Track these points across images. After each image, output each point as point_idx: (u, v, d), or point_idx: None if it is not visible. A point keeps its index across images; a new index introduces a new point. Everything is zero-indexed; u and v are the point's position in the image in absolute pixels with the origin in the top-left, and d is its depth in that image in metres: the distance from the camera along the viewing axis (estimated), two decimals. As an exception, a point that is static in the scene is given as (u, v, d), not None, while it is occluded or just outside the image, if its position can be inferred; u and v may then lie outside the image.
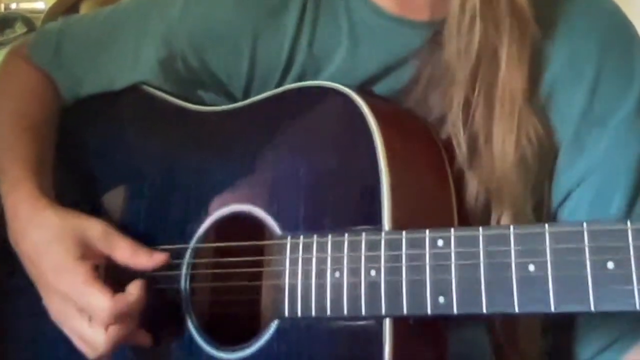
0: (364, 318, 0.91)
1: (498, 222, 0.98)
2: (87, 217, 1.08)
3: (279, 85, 1.11)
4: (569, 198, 1.01)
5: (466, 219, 0.98)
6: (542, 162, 1.00)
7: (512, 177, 0.98)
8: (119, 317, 1.01)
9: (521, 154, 0.98)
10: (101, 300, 1.01)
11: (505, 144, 0.98)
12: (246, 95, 1.14)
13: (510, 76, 0.98)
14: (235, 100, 1.14)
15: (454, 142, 1.00)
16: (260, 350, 0.99)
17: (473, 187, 0.99)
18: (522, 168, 0.98)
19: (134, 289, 1.03)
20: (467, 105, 1.00)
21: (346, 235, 0.93)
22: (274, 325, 0.98)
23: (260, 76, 1.13)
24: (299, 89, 1.06)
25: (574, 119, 1.00)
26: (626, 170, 0.98)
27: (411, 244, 0.88)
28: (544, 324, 1.03)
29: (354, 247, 0.92)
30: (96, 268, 1.05)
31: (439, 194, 0.99)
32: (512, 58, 0.98)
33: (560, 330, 1.03)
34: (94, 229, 1.06)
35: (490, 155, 0.98)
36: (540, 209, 1.02)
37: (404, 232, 0.89)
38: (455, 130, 1.00)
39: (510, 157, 0.97)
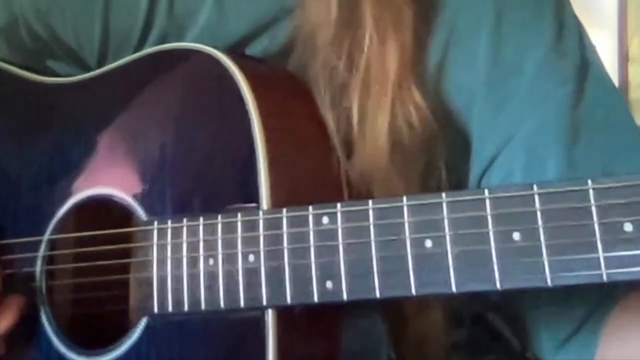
0: (243, 310, 0.83)
1: None
2: None
3: (136, 51, 1.02)
4: (495, 166, 0.92)
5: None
6: (431, 148, 0.92)
7: (385, 164, 0.90)
8: None
9: (396, 139, 0.90)
10: None
11: (377, 126, 0.90)
12: (101, 65, 1.05)
13: (379, 47, 0.91)
14: (89, 70, 1.05)
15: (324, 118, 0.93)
16: (128, 354, 0.90)
17: (352, 172, 0.91)
18: (399, 153, 0.90)
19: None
20: (333, 79, 0.92)
21: (219, 216, 0.85)
22: (142, 323, 0.90)
23: (116, 42, 1.04)
24: (160, 53, 0.98)
25: (481, 73, 0.92)
26: (556, 121, 0.89)
27: (293, 222, 0.80)
28: (456, 316, 0.96)
29: (229, 229, 0.84)
30: None
31: (325, 167, 0.91)
32: (382, 23, 0.90)
33: (480, 320, 0.97)
34: None
35: (362, 138, 0.91)
36: None
37: (284, 210, 0.81)
38: (325, 108, 0.92)
39: (383, 141, 0.90)
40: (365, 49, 0.91)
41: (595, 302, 0.88)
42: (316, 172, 0.91)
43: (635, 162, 0.89)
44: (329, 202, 0.81)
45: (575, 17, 0.95)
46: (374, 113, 0.90)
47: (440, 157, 0.93)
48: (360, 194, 0.90)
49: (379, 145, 0.90)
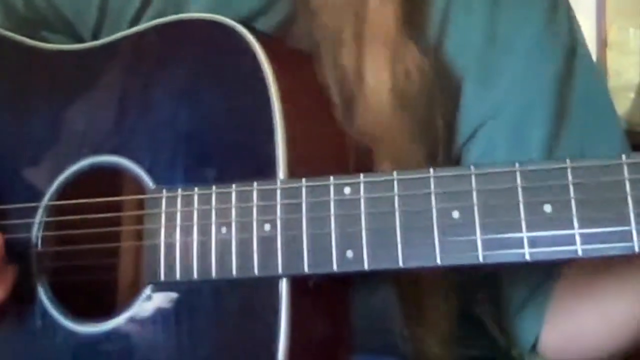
0: (255, 280, 0.85)
1: None
2: None
3: (131, 26, 1.03)
4: (479, 136, 0.97)
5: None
6: (431, 99, 0.96)
7: (390, 120, 0.93)
8: None
9: (399, 93, 0.94)
10: None
11: (378, 82, 0.94)
12: (96, 37, 1.07)
13: (379, 5, 0.94)
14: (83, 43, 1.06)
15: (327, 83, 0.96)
16: (130, 321, 0.91)
17: (352, 133, 0.94)
18: (402, 109, 0.94)
19: None
20: (334, 38, 0.96)
21: (234, 185, 0.87)
22: (146, 291, 0.91)
23: (113, 13, 1.06)
24: (175, 22, 0.99)
25: (476, 46, 0.97)
26: (542, 98, 0.95)
27: (313, 192, 0.83)
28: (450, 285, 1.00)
29: (244, 197, 0.86)
30: None
31: (333, 139, 0.94)
32: None
33: (466, 315, 1.01)
34: None
35: (364, 96, 0.94)
36: (435, 155, 0.97)
37: (303, 180, 0.84)
38: (325, 69, 0.95)
39: (385, 95, 0.93)
40: (368, 6, 0.95)
41: (544, 273, 0.95)
42: (327, 143, 0.94)
43: (611, 144, 0.96)
44: (337, 172, 0.84)
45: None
46: (376, 68, 0.94)
47: (439, 110, 0.97)
48: (363, 150, 0.93)
49: (381, 99, 0.93)
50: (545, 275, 0.95)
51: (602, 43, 2.38)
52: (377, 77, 0.94)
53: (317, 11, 0.97)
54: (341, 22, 0.95)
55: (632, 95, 2.29)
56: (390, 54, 0.94)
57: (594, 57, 2.36)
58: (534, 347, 0.98)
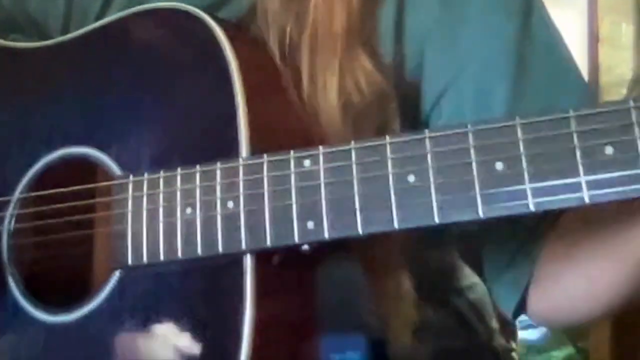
0: (221, 258, 0.86)
1: None
2: None
3: (97, 20, 1.05)
4: (445, 101, 0.99)
5: None
6: (384, 109, 0.98)
7: (338, 124, 0.95)
8: None
9: (347, 102, 0.95)
10: None
11: (327, 85, 0.95)
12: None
13: (325, 7, 0.96)
14: None
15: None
16: (100, 309, 0.93)
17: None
18: (349, 118, 0.95)
19: None
20: (283, 41, 0.97)
21: (198, 166, 0.88)
22: (115, 277, 0.92)
23: (79, 10, 1.09)
24: (138, 13, 1.01)
25: (433, 13, 0.99)
26: (502, 56, 0.97)
27: (274, 166, 0.84)
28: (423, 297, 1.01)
29: (208, 177, 0.87)
30: None
31: (296, 122, 0.95)
32: None
33: (446, 304, 1.02)
34: None
35: (314, 98, 0.95)
36: None
37: (265, 155, 0.85)
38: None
39: (333, 101, 0.95)
40: (311, 9, 0.96)
41: (529, 230, 0.95)
42: (290, 125, 0.95)
43: (572, 95, 0.98)
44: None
45: None
46: (324, 73, 0.95)
47: (394, 117, 0.98)
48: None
49: (330, 104, 0.95)
50: (526, 240, 0.96)
51: (594, 38, 2.37)
52: (325, 80, 0.95)
53: (263, 16, 0.99)
54: (283, 32, 0.97)
55: (624, 91, 2.29)
56: (339, 59, 0.95)
57: (586, 53, 2.37)
58: (519, 313, 0.99)
